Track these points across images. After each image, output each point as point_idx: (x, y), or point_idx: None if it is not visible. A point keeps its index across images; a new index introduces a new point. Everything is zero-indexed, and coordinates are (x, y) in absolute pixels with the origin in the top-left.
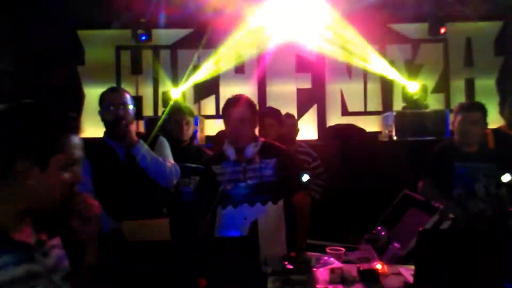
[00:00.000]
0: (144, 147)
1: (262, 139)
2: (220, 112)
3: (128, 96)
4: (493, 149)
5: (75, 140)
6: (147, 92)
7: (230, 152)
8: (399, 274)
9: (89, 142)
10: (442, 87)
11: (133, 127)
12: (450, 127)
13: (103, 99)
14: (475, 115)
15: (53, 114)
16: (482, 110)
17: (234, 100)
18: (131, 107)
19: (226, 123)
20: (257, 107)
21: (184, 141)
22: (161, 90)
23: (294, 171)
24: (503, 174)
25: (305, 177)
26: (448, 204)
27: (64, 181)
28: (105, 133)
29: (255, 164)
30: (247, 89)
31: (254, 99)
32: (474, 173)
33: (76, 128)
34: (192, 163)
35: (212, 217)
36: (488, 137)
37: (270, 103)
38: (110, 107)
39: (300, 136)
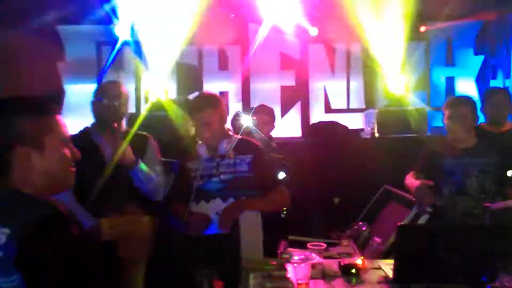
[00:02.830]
0: (143, 168)
1: (237, 136)
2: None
3: (124, 89)
4: (490, 144)
5: (60, 119)
6: (129, 88)
7: (202, 150)
8: (379, 268)
9: (72, 136)
10: (423, 85)
11: (123, 123)
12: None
13: (99, 89)
14: (464, 110)
15: (33, 100)
16: (471, 104)
17: (198, 104)
18: (125, 101)
19: (194, 126)
20: (222, 100)
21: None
22: (143, 86)
23: (270, 168)
24: (507, 170)
25: (282, 175)
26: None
27: (64, 156)
28: (93, 126)
29: (229, 160)
30: (231, 86)
31: (238, 96)
32: (467, 170)
33: (57, 110)
34: None
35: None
36: None
37: (254, 100)
38: (104, 98)
39: (284, 133)
